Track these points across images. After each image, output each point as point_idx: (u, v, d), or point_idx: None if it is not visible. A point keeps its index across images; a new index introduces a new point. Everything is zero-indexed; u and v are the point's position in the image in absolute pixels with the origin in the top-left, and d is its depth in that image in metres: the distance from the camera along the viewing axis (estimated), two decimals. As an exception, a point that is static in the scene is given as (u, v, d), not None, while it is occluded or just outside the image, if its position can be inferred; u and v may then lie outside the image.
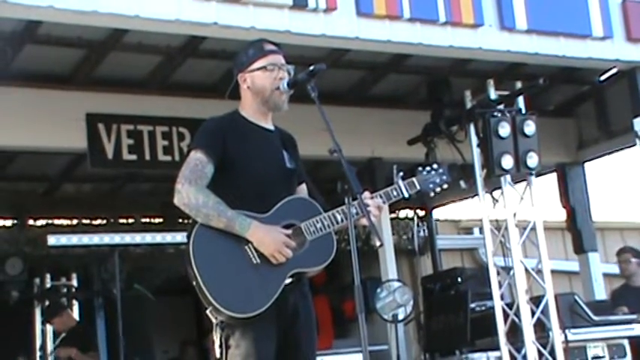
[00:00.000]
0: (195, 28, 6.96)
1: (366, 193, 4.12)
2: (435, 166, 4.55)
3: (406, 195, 4.36)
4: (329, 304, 12.35)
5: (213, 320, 4.05)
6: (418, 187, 4.43)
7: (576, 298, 8.58)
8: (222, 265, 3.99)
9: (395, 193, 4.34)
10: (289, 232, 4.08)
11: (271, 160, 4.26)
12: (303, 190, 4.39)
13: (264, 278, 4.01)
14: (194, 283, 3.95)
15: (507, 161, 8.09)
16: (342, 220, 4.14)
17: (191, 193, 4.02)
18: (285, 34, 6.77)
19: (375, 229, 3.88)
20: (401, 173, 4.38)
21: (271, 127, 4.36)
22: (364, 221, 4.05)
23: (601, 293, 10.83)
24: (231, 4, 6.68)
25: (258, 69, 4.25)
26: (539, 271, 8.18)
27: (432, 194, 4.52)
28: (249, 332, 3.99)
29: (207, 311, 4.02)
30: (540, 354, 7.95)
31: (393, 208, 11.82)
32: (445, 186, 4.54)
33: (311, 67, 4.09)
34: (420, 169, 4.50)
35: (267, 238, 4.01)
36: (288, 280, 4.06)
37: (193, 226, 4.03)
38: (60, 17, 6.52)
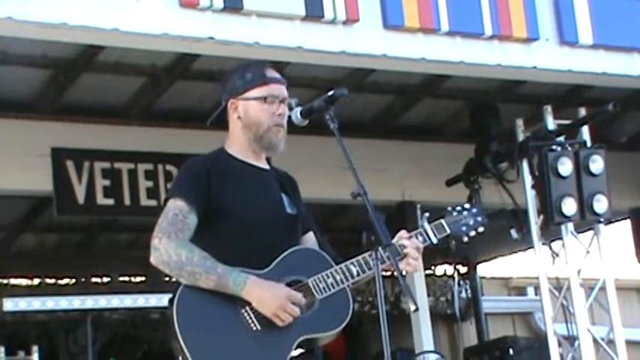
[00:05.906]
0: (186, 44, 7.01)
1: (403, 232, 4.16)
2: (466, 205, 4.55)
3: (434, 240, 4.33)
4: (349, 382, 12.33)
5: None
6: (448, 231, 4.41)
7: (657, 374, 8.55)
8: (214, 336, 3.97)
9: (420, 239, 4.29)
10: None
11: (268, 205, 4.25)
12: (310, 239, 4.36)
13: (266, 349, 3.99)
14: (180, 358, 3.93)
15: (569, 206, 8.10)
16: (357, 274, 4.13)
17: (171, 248, 4.02)
18: (296, 51, 6.81)
19: (408, 289, 3.84)
20: (427, 214, 4.36)
21: (266, 167, 4.36)
22: (404, 266, 4.10)
23: (686, 369, 10.80)
24: (230, 14, 6.72)
25: (255, 99, 4.25)
26: (611, 342, 8.15)
27: (466, 239, 4.50)
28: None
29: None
30: None
31: (428, 263, 11.82)
32: (481, 229, 4.52)
33: (330, 93, 4.10)
34: (450, 209, 4.49)
35: (267, 294, 3.99)
36: (295, 352, 4.03)
37: (177, 289, 4.02)
38: (21, 31, 6.56)
